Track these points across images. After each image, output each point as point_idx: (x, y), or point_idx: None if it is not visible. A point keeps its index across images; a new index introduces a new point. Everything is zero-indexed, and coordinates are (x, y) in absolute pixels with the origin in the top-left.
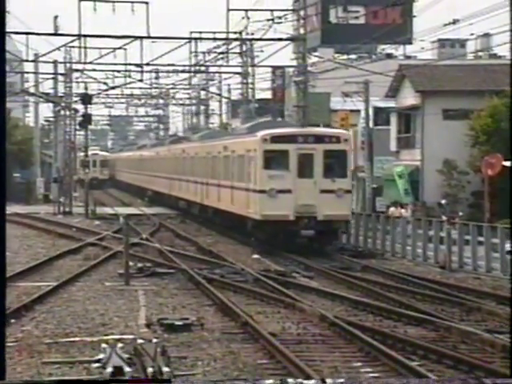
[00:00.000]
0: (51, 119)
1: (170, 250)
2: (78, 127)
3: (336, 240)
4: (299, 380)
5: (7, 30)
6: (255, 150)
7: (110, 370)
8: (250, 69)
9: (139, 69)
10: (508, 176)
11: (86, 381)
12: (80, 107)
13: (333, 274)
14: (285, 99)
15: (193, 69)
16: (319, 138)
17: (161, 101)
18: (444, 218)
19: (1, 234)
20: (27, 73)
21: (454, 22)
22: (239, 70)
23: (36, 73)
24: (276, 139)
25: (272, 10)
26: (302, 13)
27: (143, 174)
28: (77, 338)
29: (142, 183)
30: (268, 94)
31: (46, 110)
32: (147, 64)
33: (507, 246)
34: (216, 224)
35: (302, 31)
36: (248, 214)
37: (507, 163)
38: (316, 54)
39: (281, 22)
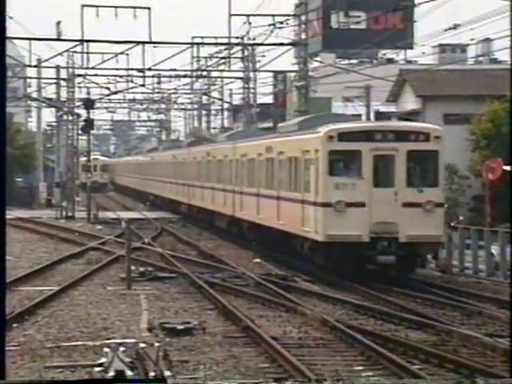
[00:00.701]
0: (54, 124)
1: (172, 254)
2: (80, 132)
3: (422, 267)
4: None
5: (10, 35)
6: (316, 151)
7: (112, 373)
8: (251, 74)
9: (141, 74)
10: (509, 180)
11: (86, 381)
12: (82, 112)
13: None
14: (286, 104)
15: (195, 74)
16: (402, 135)
17: (163, 105)
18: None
19: (1, 237)
20: (30, 78)
21: (455, 26)
22: (241, 74)
23: (39, 78)
24: (345, 136)
25: (273, 15)
26: (303, 18)
27: (155, 179)
28: (79, 342)
29: (154, 190)
30: (269, 99)
31: (49, 115)
32: (149, 69)
33: (507, 250)
34: (250, 240)
35: (303, 36)
36: (304, 234)
37: (508, 168)
38: (317, 58)
39: (282, 27)
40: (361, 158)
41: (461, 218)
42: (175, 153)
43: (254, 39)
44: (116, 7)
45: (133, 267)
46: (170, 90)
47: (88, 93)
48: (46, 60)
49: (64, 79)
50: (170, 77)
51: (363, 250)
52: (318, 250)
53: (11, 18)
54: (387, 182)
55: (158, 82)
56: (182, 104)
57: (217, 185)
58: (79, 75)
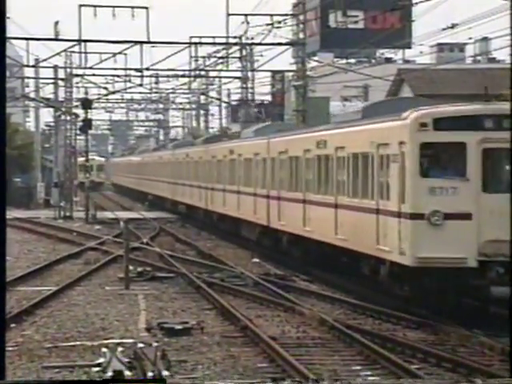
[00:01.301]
0: (52, 124)
1: (170, 254)
2: (78, 132)
3: None
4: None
5: (8, 35)
6: (401, 144)
7: (110, 373)
8: (249, 73)
9: (139, 73)
10: None
11: (84, 381)
12: (80, 112)
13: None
14: (284, 103)
15: (193, 73)
16: None
17: (161, 105)
18: None
19: (1, 237)
20: (28, 78)
21: (453, 26)
22: (239, 74)
23: (36, 78)
24: (443, 124)
25: (272, 15)
26: (301, 17)
27: (164, 181)
28: (77, 343)
29: (163, 193)
30: (268, 98)
31: (47, 115)
32: (147, 69)
33: None
34: (293, 257)
35: (301, 36)
36: (379, 254)
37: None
38: (315, 58)
39: (280, 27)
40: (465, 153)
41: None
42: (188, 151)
43: (252, 39)
44: (114, 7)
45: (131, 267)
46: (168, 89)
47: (86, 93)
48: (44, 60)
49: (62, 79)
50: (168, 76)
51: (469, 278)
52: (404, 277)
53: (9, 17)
54: (501, 186)
55: (156, 82)
56: (180, 104)
57: (244, 188)
58: (77, 75)
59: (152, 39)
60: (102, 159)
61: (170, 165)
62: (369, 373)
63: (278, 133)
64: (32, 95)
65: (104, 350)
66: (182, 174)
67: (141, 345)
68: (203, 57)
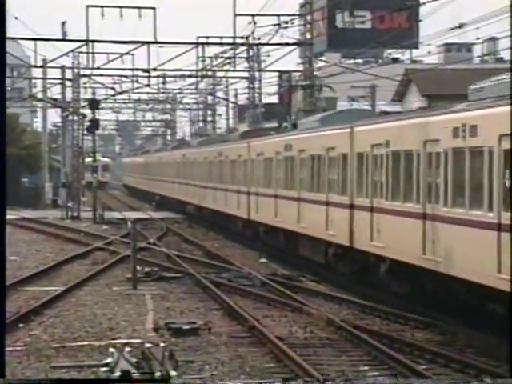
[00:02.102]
0: (59, 124)
1: (178, 254)
2: (85, 132)
3: None
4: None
5: (16, 36)
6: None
7: (117, 373)
8: (256, 73)
9: (146, 74)
10: None
11: (92, 380)
12: (88, 112)
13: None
14: (291, 103)
15: (200, 74)
16: None
17: (168, 105)
18: None
19: (1, 235)
20: (35, 78)
21: (460, 26)
22: (246, 74)
23: (44, 78)
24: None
25: (279, 15)
26: (308, 18)
27: (190, 184)
28: (85, 343)
29: (191, 198)
30: (275, 99)
31: (54, 116)
32: (154, 69)
33: None
34: (389, 286)
35: (308, 36)
36: (504, 286)
37: None
38: (322, 58)
39: (287, 27)
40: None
41: None
42: (218, 149)
43: (259, 39)
44: (121, 7)
45: (138, 267)
46: (175, 89)
47: (93, 93)
48: (52, 60)
49: (69, 79)
50: (175, 77)
51: None
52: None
53: (16, 18)
54: None
55: (163, 82)
56: (188, 104)
57: (307, 195)
58: (84, 75)
59: (159, 39)
60: (107, 159)
61: (195, 166)
62: (376, 373)
63: (359, 122)
64: (40, 95)
65: (112, 350)
66: (213, 176)
67: (148, 345)
68: (210, 57)
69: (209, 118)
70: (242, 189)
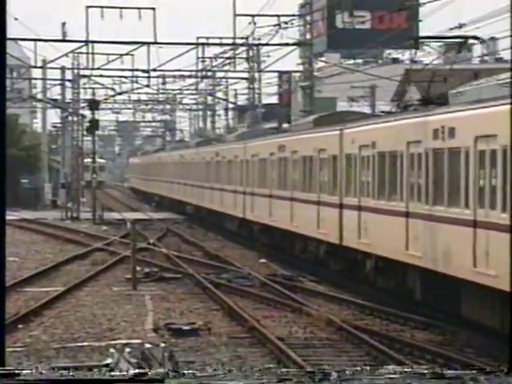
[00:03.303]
0: (59, 125)
1: (177, 254)
2: (85, 133)
3: None
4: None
5: (16, 36)
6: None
7: (117, 374)
8: (256, 74)
9: (146, 74)
10: None
11: (85, 380)
12: (87, 113)
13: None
14: (291, 104)
15: (199, 74)
16: None
17: (168, 106)
18: None
19: (0, 236)
20: (35, 79)
21: (460, 26)
22: (246, 75)
23: (44, 79)
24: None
25: (278, 16)
26: (308, 18)
27: (207, 186)
28: (85, 343)
29: (209, 204)
30: (274, 99)
31: (54, 116)
32: (154, 69)
33: None
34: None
35: (308, 36)
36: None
37: None
38: (322, 58)
39: (287, 28)
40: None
41: None
42: (216, 149)
43: (259, 39)
44: (121, 8)
45: (138, 268)
46: (174, 90)
47: (93, 94)
48: (52, 61)
49: (69, 80)
50: (175, 77)
51: None
52: None
53: (16, 19)
54: None
55: (163, 83)
56: (187, 105)
57: (350, 199)
58: (84, 76)
59: (159, 40)
60: (103, 161)
61: (212, 166)
62: None
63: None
64: (39, 96)
65: (111, 350)
66: (236, 177)
67: (148, 345)
68: (210, 57)
69: (208, 119)
70: (238, 189)
